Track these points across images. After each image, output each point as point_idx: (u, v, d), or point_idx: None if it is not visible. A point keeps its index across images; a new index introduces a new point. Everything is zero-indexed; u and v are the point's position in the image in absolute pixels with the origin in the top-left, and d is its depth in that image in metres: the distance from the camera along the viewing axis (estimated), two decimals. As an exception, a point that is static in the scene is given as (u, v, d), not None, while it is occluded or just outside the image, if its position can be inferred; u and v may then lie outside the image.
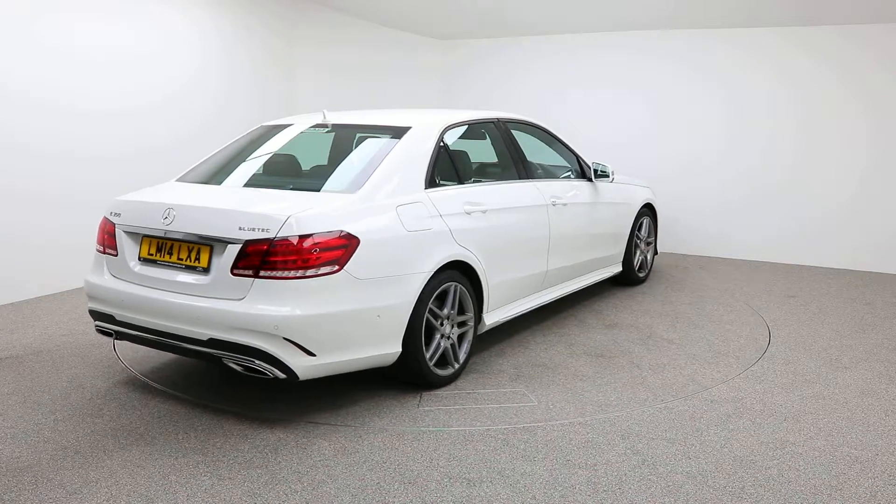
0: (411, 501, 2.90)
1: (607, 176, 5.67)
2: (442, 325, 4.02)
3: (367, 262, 3.55)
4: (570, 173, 5.59)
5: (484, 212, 4.34)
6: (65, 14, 5.80)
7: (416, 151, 4.15)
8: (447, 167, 4.39)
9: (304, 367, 3.43)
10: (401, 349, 3.78)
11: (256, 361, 3.40)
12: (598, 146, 7.72)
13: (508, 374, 4.29)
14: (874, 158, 7.24)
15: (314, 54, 8.27)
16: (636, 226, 6.32)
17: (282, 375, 3.42)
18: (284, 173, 4.31)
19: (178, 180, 4.34)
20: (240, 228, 3.45)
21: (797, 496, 2.95)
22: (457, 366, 4.14)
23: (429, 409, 3.78)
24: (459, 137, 4.84)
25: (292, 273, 3.35)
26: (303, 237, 3.38)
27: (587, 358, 4.57)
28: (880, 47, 7.09)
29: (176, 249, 3.66)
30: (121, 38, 6.25)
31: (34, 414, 3.67)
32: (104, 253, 3.96)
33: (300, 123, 4.68)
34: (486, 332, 4.85)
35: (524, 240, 4.73)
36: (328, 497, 2.92)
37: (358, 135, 4.52)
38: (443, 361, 4.07)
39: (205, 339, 3.48)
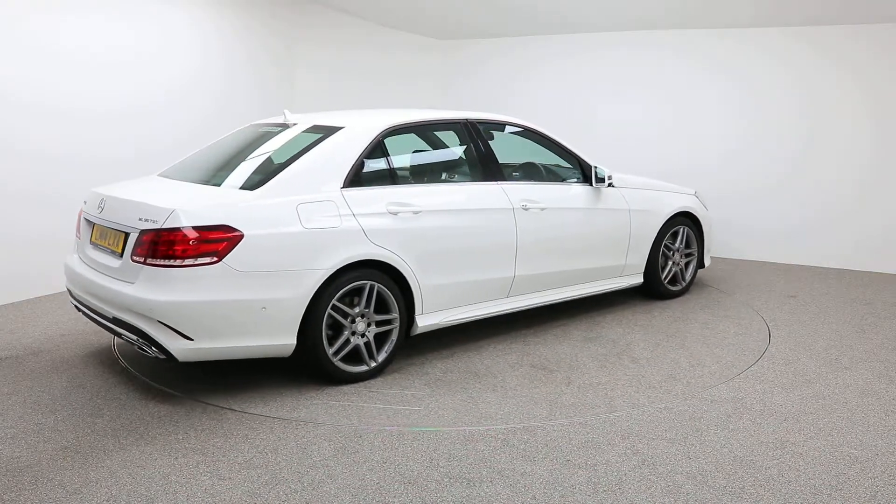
0: (411, 501, 2.90)
1: (603, 180, 5.33)
2: (353, 322, 4.08)
3: (250, 255, 3.72)
4: (574, 177, 5.37)
5: (416, 213, 4.32)
6: (64, 15, 5.80)
7: (340, 151, 4.25)
8: (381, 167, 4.43)
9: (180, 349, 3.67)
10: (295, 342, 3.90)
11: (139, 340, 3.74)
12: (601, 146, 7.71)
13: (430, 378, 4.24)
14: (876, 158, 7.22)
15: (314, 54, 8.27)
16: (666, 235, 5.87)
17: (161, 356, 3.72)
18: (229, 169, 4.41)
19: (158, 175, 4.65)
20: (139, 219, 3.79)
21: (797, 496, 2.95)
22: (373, 364, 4.17)
23: (314, 402, 3.85)
24: (418, 138, 4.90)
25: (172, 262, 3.63)
26: (183, 229, 3.64)
27: (527, 370, 4.38)
28: (885, 46, 7.06)
29: (108, 235, 4.04)
30: (121, 39, 6.25)
31: (34, 414, 3.67)
32: (76, 237, 4.49)
33: (286, 122, 4.75)
34: (445, 333, 4.89)
35: (477, 243, 4.60)
36: (328, 497, 2.92)
37: (304, 134, 4.58)
38: (357, 358, 4.12)
39: (110, 316, 3.88)
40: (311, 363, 4.03)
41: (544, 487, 3.01)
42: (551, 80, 8.65)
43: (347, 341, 4.08)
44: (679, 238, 6.04)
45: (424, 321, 4.41)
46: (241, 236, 3.70)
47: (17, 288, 5.72)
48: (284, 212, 3.88)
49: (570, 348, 4.80)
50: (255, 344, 3.82)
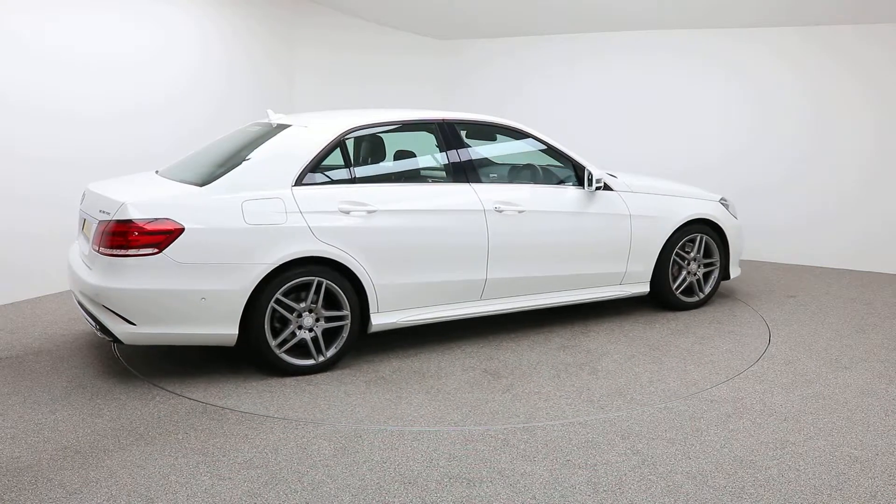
0: (411, 501, 2.90)
1: (591, 184, 5.09)
2: (300, 316, 4.18)
3: (190, 248, 3.91)
4: (571, 180, 5.18)
5: (370, 212, 4.34)
6: (65, 17, 5.79)
7: (294, 150, 4.34)
8: (338, 166, 4.50)
9: (124, 333, 3.94)
10: (237, 332, 4.05)
11: (96, 325, 4.03)
12: (603, 147, 7.71)
13: (376, 376, 4.25)
14: (876, 159, 7.22)
15: (314, 55, 8.28)
16: (680, 243, 5.54)
17: (109, 339, 4.01)
18: (207, 167, 4.47)
19: (156, 173, 4.80)
20: (100, 211, 4.05)
21: (797, 496, 2.95)
22: (321, 359, 4.26)
23: (249, 392, 3.97)
24: (385, 138, 4.98)
25: (118, 251, 3.87)
26: (129, 221, 3.87)
27: (476, 374, 4.29)
28: (887, 46, 7.04)
29: (87, 226, 4.27)
30: (121, 40, 6.25)
31: (34, 414, 3.68)
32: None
33: (270, 122, 4.80)
34: (422, 332, 4.91)
35: (439, 244, 4.55)
36: (328, 497, 2.92)
37: (272, 133, 4.61)
38: (305, 352, 4.22)
39: (77, 300, 4.23)
40: (254, 354, 4.16)
41: (544, 487, 3.01)
42: (553, 80, 8.64)
43: (293, 334, 4.19)
44: (697, 247, 5.65)
45: (379, 320, 4.43)
46: (182, 229, 3.88)
47: (17, 288, 5.72)
48: (228, 207, 4.03)
49: (539, 355, 4.65)
50: (196, 332, 4.01)
